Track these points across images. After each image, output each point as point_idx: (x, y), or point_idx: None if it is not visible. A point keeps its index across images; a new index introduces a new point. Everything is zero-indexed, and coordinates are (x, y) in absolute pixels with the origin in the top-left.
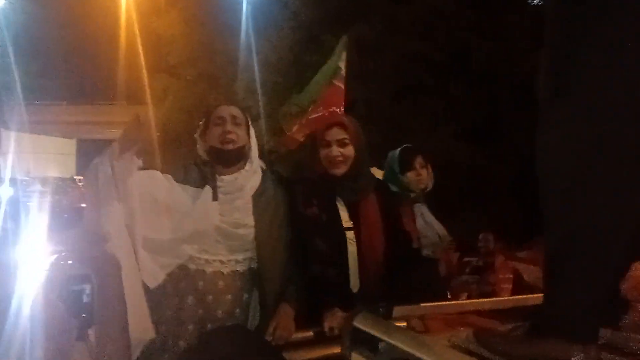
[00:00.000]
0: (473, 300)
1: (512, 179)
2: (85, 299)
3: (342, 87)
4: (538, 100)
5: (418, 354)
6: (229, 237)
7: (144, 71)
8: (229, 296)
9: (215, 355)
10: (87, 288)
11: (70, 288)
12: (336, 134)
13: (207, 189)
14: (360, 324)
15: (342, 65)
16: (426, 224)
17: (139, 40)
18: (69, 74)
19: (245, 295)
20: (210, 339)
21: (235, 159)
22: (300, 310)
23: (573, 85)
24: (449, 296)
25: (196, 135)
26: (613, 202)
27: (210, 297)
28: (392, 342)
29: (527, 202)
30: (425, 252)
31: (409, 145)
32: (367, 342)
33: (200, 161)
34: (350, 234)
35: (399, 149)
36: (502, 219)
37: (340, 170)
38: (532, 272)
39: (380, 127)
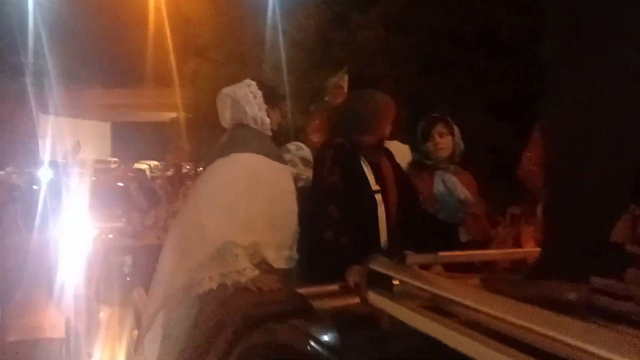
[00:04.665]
0: (483, 251)
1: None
2: (126, 269)
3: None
4: (544, 59)
5: (429, 288)
6: None
7: (173, 54)
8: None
9: (252, 299)
10: (128, 259)
11: (111, 259)
12: None
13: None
14: (375, 266)
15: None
16: (447, 190)
17: (167, 23)
18: (101, 58)
19: None
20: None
21: None
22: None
23: (578, 45)
24: None
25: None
26: (609, 157)
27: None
28: (405, 279)
29: None
30: (441, 216)
31: (434, 114)
32: (383, 285)
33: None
34: (378, 197)
35: (425, 118)
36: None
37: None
38: None
39: (406, 102)
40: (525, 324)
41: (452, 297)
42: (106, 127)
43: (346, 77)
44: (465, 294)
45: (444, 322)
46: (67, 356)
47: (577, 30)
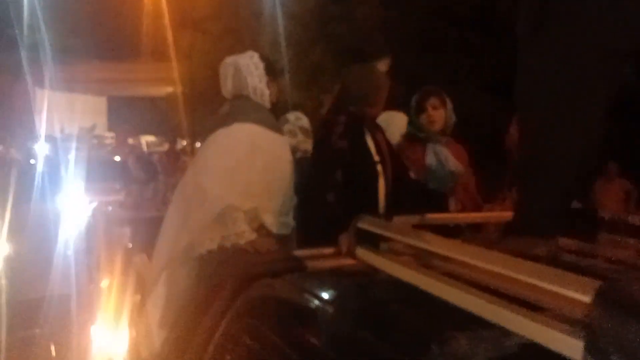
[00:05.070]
0: (468, 214)
1: None
2: (126, 240)
3: None
4: (517, 35)
5: (410, 241)
6: None
7: (170, 27)
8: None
9: (250, 259)
10: (128, 231)
11: (112, 230)
12: None
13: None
14: (362, 224)
15: None
16: (438, 161)
17: None
18: (96, 32)
19: None
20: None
21: None
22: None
23: (551, 21)
24: None
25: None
26: (574, 127)
27: None
28: (390, 235)
29: None
30: (432, 186)
31: (428, 87)
32: (371, 243)
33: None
34: (379, 167)
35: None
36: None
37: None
38: None
39: (403, 80)
40: (493, 268)
41: (432, 249)
42: (102, 102)
43: (388, 61)
44: (444, 246)
45: (425, 272)
46: (70, 317)
47: (548, 8)
